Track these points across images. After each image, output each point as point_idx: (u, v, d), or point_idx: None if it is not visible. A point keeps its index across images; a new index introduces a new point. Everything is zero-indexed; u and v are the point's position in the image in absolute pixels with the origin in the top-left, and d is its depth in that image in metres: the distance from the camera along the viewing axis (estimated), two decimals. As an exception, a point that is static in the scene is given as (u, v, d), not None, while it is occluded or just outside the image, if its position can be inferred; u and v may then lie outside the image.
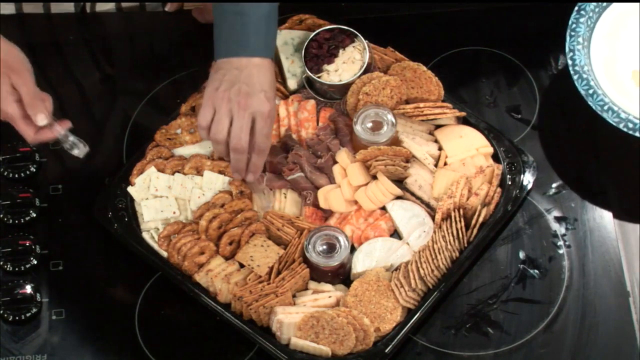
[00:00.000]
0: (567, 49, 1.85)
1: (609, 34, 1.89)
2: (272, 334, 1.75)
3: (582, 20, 1.86)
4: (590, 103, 1.82)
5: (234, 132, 1.71)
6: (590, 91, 1.82)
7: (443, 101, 1.89)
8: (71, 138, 1.73)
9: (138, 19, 2.08)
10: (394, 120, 1.83)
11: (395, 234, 1.84)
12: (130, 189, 1.86)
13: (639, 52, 1.88)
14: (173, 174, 1.87)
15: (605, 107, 1.81)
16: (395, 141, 1.85)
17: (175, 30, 2.06)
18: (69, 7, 2.06)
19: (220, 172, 1.86)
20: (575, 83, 1.83)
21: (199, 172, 1.87)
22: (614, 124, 1.80)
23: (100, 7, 2.07)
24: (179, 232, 1.81)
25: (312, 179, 1.85)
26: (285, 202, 1.84)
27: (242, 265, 1.80)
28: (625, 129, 1.80)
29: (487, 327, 1.79)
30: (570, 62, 1.85)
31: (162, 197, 1.84)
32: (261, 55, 1.73)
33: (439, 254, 1.77)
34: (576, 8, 1.87)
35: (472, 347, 1.78)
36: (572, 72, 1.84)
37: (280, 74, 1.95)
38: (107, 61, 2.03)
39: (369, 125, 1.84)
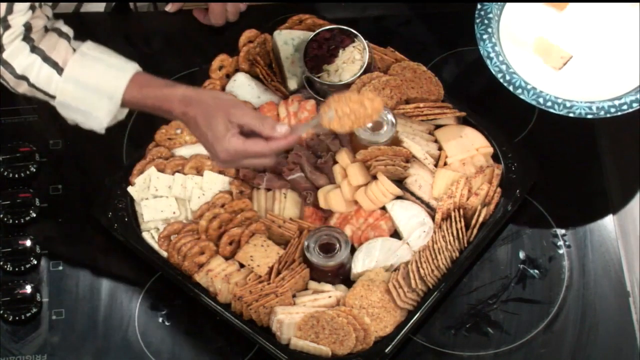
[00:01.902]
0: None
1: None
2: (272, 334, 1.75)
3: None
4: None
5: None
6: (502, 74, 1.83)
7: (443, 101, 1.89)
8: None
9: (137, 19, 2.08)
10: (394, 120, 1.83)
11: (395, 234, 1.84)
12: (130, 189, 1.86)
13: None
14: (173, 174, 1.87)
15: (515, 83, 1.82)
16: (395, 141, 1.85)
17: (176, 30, 2.06)
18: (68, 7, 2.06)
19: (220, 172, 1.86)
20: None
21: (199, 172, 1.87)
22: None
23: (95, 7, 2.07)
24: (179, 232, 1.81)
25: (312, 179, 1.85)
26: (285, 202, 1.84)
27: (242, 265, 1.80)
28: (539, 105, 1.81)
29: (487, 327, 1.79)
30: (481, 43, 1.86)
31: (162, 197, 1.84)
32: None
33: (439, 254, 1.77)
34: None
35: (472, 347, 1.78)
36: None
37: (280, 74, 1.95)
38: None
39: (369, 125, 1.84)
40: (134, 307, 1.82)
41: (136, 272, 1.84)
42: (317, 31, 1.91)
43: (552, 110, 1.80)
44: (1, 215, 1.87)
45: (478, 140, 1.87)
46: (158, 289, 1.83)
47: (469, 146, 1.86)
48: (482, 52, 1.85)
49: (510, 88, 1.82)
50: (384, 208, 1.85)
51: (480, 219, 1.80)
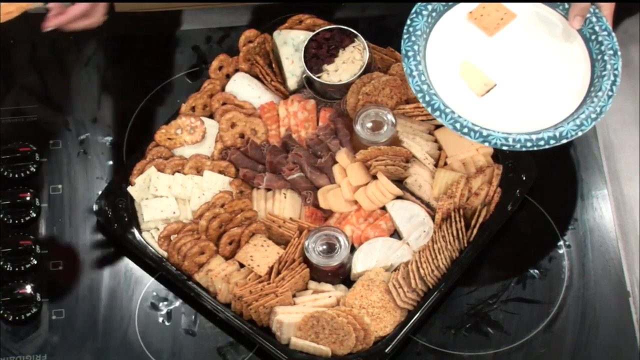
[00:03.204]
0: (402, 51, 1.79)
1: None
2: (272, 334, 1.75)
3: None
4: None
5: None
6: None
7: (443, 101, 1.89)
8: None
9: (137, 19, 2.08)
10: (394, 120, 1.83)
11: (395, 234, 1.84)
12: (130, 189, 1.86)
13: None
14: (173, 174, 1.87)
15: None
16: (395, 141, 1.85)
17: (177, 31, 2.06)
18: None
19: (220, 172, 1.86)
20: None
21: (199, 172, 1.87)
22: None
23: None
24: (179, 232, 1.81)
25: (312, 179, 1.85)
26: (285, 202, 1.84)
27: (242, 265, 1.80)
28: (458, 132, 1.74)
29: (487, 327, 1.79)
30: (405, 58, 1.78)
31: (162, 197, 1.84)
32: None
33: (439, 254, 1.77)
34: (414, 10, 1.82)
35: (472, 347, 1.78)
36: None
37: (280, 74, 1.95)
38: (107, 61, 2.03)
39: (369, 125, 1.84)
40: (134, 307, 1.82)
41: (136, 272, 1.85)
42: (317, 31, 1.91)
43: (468, 137, 1.72)
44: (1, 215, 1.87)
45: (478, 140, 1.87)
46: (158, 289, 1.83)
47: (469, 146, 1.86)
48: (405, 68, 1.76)
49: (429, 109, 1.74)
50: (384, 208, 1.85)
51: (480, 219, 1.80)
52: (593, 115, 1.73)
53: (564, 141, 1.72)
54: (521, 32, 1.82)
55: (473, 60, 1.80)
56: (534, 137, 1.72)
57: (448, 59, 1.80)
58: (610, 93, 1.74)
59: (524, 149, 1.71)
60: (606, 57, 1.77)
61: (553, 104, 1.77)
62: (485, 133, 1.72)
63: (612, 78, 1.75)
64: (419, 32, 1.79)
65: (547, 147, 1.72)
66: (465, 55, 1.81)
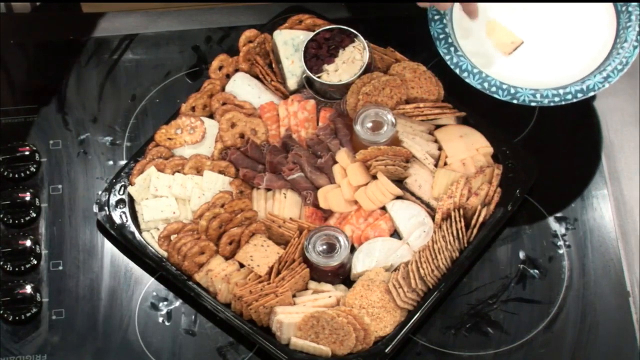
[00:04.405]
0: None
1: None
2: (272, 334, 1.75)
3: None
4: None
5: None
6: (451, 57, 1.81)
7: (443, 101, 1.90)
8: None
9: (137, 19, 2.08)
10: (394, 120, 1.83)
11: (395, 234, 1.84)
12: (130, 189, 1.86)
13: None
14: (173, 174, 1.87)
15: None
16: (395, 141, 1.85)
17: (176, 30, 2.06)
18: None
19: (220, 172, 1.86)
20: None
21: (199, 172, 1.87)
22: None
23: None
24: (179, 232, 1.81)
25: (312, 179, 1.85)
26: (285, 202, 1.84)
27: (242, 265, 1.80)
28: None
29: (487, 327, 1.79)
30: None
31: (162, 197, 1.84)
32: None
33: (439, 254, 1.77)
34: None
35: (472, 347, 1.78)
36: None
37: (280, 74, 1.95)
38: (107, 61, 2.03)
39: (369, 125, 1.84)
40: (134, 307, 1.82)
41: (136, 272, 1.85)
42: (317, 31, 1.91)
43: (496, 96, 1.79)
44: (1, 215, 1.87)
45: (478, 140, 1.87)
46: (158, 289, 1.84)
47: (469, 146, 1.86)
48: (432, 32, 1.82)
49: (457, 71, 1.80)
50: (384, 208, 1.85)
51: (480, 219, 1.80)
52: (619, 67, 1.76)
53: (591, 94, 1.77)
54: None
55: (499, 19, 1.84)
56: (561, 91, 1.77)
57: (475, 20, 1.84)
58: (635, 44, 1.77)
59: (552, 104, 1.76)
60: (630, 8, 1.79)
61: (579, 57, 1.81)
62: (513, 90, 1.78)
63: (637, 29, 1.79)
64: None
65: (574, 100, 1.77)
66: (491, 14, 1.84)
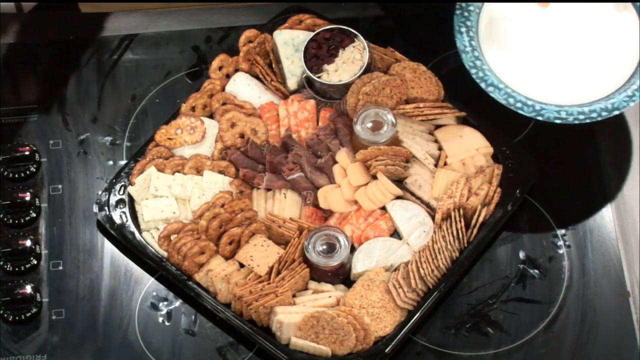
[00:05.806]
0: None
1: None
2: (272, 334, 1.75)
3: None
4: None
5: None
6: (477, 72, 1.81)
7: (443, 101, 1.90)
8: None
9: (137, 19, 2.08)
10: (394, 120, 1.83)
11: (395, 234, 1.84)
12: (130, 189, 1.86)
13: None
14: (173, 174, 1.87)
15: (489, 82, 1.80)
16: (395, 141, 1.85)
17: (176, 30, 2.06)
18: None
19: (220, 172, 1.87)
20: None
21: (199, 172, 1.87)
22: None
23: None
24: (179, 232, 1.81)
25: (312, 179, 1.85)
26: (285, 202, 1.84)
27: (242, 265, 1.80)
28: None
29: (487, 327, 1.79)
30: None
31: (162, 197, 1.85)
32: None
33: (439, 254, 1.77)
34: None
35: (472, 347, 1.78)
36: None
37: (280, 74, 1.95)
38: (107, 61, 2.03)
39: (369, 125, 1.84)
40: (134, 307, 1.82)
41: (136, 272, 1.85)
42: (317, 31, 1.91)
43: (521, 112, 1.78)
44: (1, 215, 1.87)
45: (478, 140, 1.87)
46: (158, 289, 1.84)
47: (469, 146, 1.86)
48: (458, 44, 1.82)
49: (482, 85, 1.80)
50: (384, 208, 1.85)
51: (480, 219, 1.80)
52: None
53: (616, 112, 1.76)
54: (573, 3, 1.85)
55: (527, 32, 1.83)
56: (586, 109, 1.76)
57: (501, 33, 1.83)
58: None
59: (576, 122, 1.76)
60: None
61: (605, 74, 1.81)
62: (538, 107, 1.77)
63: None
64: (471, 7, 1.82)
65: (599, 119, 1.76)
66: (519, 28, 1.84)
